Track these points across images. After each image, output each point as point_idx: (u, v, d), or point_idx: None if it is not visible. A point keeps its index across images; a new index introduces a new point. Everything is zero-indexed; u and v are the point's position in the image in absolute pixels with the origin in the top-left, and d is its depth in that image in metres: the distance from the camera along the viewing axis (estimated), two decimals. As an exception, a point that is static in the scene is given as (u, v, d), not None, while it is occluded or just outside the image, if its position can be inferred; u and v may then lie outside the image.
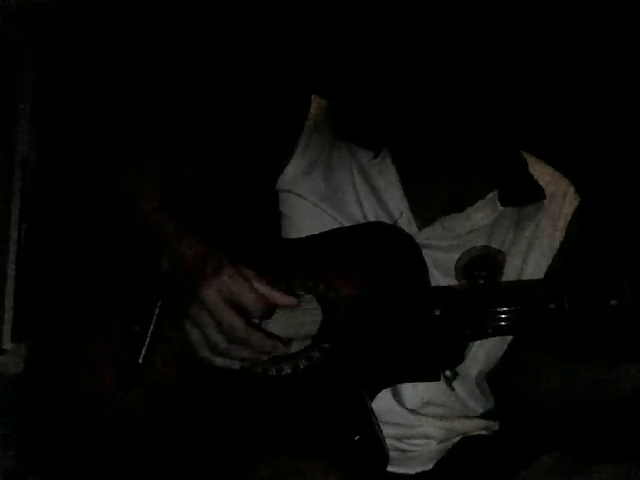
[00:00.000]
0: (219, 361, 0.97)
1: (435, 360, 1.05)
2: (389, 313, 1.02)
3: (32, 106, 1.83)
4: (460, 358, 1.08)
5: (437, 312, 1.00)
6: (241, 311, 0.95)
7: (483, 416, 1.18)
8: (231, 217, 1.17)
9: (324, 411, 1.00)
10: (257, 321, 1.00)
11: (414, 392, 1.10)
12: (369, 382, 1.03)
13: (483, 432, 1.16)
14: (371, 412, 1.00)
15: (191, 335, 0.97)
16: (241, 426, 1.00)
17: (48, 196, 1.80)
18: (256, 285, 0.96)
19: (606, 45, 1.56)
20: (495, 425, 1.19)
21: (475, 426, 1.16)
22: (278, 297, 0.97)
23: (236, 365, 0.98)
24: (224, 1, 1.76)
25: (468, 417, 1.15)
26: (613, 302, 0.94)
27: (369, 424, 0.99)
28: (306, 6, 1.71)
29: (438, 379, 1.05)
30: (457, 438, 1.13)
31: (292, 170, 1.16)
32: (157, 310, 1.05)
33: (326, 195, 1.15)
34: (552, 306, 0.96)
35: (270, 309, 0.98)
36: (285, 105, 1.22)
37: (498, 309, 0.98)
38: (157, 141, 1.25)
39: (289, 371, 1.01)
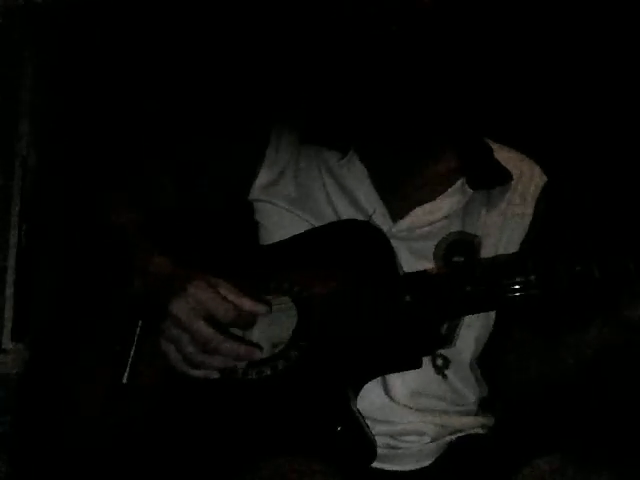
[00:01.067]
0: (197, 373, 0.98)
1: (413, 347, 1.06)
2: (361, 307, 1.03)
3: (32, 106, 1.83)
4: (438, 342, 1.10)
5: (407, 298, 1.01)
6: (212, 321, 0.96)
7: (478, 405, 1.19)
8: (210, 231, 1.19)
9: (306, 407, 1.01)
10: (240, 332, 1.02)
11: (403, 384, 1.11)
12: (350, 375, 1.05)
13: (479, 431, 1.17)
14: (351, 403, 1.01)
15: (167, 351, 0.98)
16: (229, 431, 1.02)
17: (48, 196, 1.80)
18: (225, 294, 0.97)
19: (559, 24, 1.58)
20: (490, 421, 1.19)
21: (469, 424, 1.16)
22: (248, 304, 0.98)
23: (215, 375, 0.98)
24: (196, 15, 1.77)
25: (461, 413, 1.16)
26: (578, 268, 0.96)
27: (350, 414, 1.00)
28: (268, 14, 1.72)
29: (419, 366, 1.06)
30: (451, 437, 1.14)
31: (263, 179, 1.19)
32: (138, 330, 1.06)
33: (298, 200, 1.18)
34: (519, 279, 0.97)
35: (245, 319, 0.99)
36: (250, 118, 1.24)
37: (466, 289, 1.00)
38: (133, 161, 1.27)
39: (269, 372, 1.02)
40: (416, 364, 1.05)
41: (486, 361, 1.21)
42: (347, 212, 1.16)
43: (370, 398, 1.09)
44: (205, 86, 1.74)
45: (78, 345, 1.12)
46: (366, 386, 1.07)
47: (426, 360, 1.13)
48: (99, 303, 1.14)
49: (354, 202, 1.16)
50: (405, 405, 1.12)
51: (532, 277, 0.97)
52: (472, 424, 1.17)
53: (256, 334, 1.05)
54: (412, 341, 1.04)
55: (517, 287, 0.97)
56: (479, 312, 1.09)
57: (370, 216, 1.15)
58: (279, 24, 1.70)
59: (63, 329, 1.15)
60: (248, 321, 0.99)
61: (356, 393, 1.04)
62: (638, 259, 0.94)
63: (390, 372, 1.09)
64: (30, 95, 1.83)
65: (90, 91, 1.78)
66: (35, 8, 1.81)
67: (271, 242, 1.16)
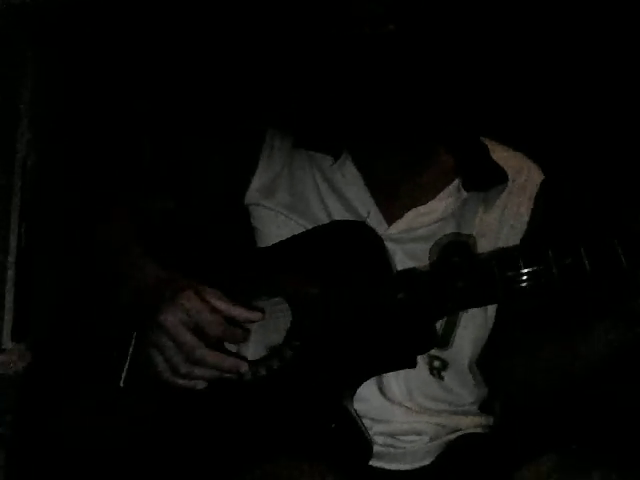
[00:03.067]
0: (183, 382, 0.99)
1: (407, 345, 1.06)
2: (354, 305, 1.03)
3: (32, 106, 1.83)
4: (432, 340, 1.09)
5: (400, 295, 1.01)
6: (201, 332, 0.97)
7: (478, 407, 1.18)
8: (206, 236, 1.20)
9: (301, 406, 1.02)
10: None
11: (399, 385, 1.12)
12: (345, 374, 1.05)
13: (478, 430, 1.17)
14: (346, 401, 1.02)
15: (154, 359, 0.99)
16: (226, 433, 1.03)
17: (48, 196, 1.80)
18: (215, 304, 0.97)
19: (553, 22, 1.58)
20: (489, 420, 1.19)
21: (468, 423, 1.17)
22: (240, 313, 0.99)
23: (200, 386, 0.99)
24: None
25: (459, 413, 1.16)
26: (568, 261, 0.95)
27: (344, 412, 1.01)
28: (259, 20, 1.73)
29: (414, 365, 1.06)
30: (450, 436, 1.15)
31: (257, 184, 1.20)
32: (135, 334, 1.07)
33: (293, 205, 1.18)
34: (509, 274, 0.97)
35: (236, 333, 1.00)
36: (244, 123, 1.24)
37: (457, 284, 0.99)
38: (128, 170, 1.28)
39: (264, 372, 1.02)
40: (411, 363, 1.05)
41: (487, 363, 1.21)
42: (341, 216, 1.17)
43: (368, 399, 1.09)
44: (201, 89, 1.74)
45: (79, 345, 1.12)
46: (362, 386, 1.07)
47: (423, 362, 1.13)
48: (98, 305, 1.14)
49: (348, 205, 1.17)
50: (402, 405, 1.12)
51: (523, 271, 0.96)
52: (471, 423, 1.17)
53: (252, 337, 1.06)
54: (406, 339, 1.05)
55: (509, 281, 0.97)
56: (471, 307, 1.09)
57: (365, 219, 1.15)
58: (269, 28, 1.70)
59: (64, 329, 1.16)
60: (238, 336, 0.99)
61: (352, 392, 1.05)
62: (629, 250, 0.93)
63: (385, 371, 1.09)
64: (30, 95, 1.83)
65: (90, 91, 1.79)
66: (36, 8, 1.81)
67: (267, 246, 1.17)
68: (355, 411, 1.03)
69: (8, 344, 1.76)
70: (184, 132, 1.35)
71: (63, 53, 1.83)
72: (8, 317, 1.76)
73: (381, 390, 1.12)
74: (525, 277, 0.96)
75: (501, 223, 1.19)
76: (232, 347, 1.05)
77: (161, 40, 1.76)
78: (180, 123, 1.64)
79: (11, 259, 1.78)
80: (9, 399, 1.25)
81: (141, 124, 1.72)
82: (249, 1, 1.72)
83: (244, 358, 1.01)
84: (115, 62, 1.78)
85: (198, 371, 0.98)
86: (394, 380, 1.11)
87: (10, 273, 1.77)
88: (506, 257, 0.99)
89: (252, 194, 1.20)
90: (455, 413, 1.16)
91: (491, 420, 1.21)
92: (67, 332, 1.16)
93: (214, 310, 0.97)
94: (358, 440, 1.01)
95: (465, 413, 1.17)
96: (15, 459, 1.11)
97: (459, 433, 1.15)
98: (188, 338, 0.96)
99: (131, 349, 1.07)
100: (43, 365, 1.15)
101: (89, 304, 1.16)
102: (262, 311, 1.01)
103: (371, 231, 1.12)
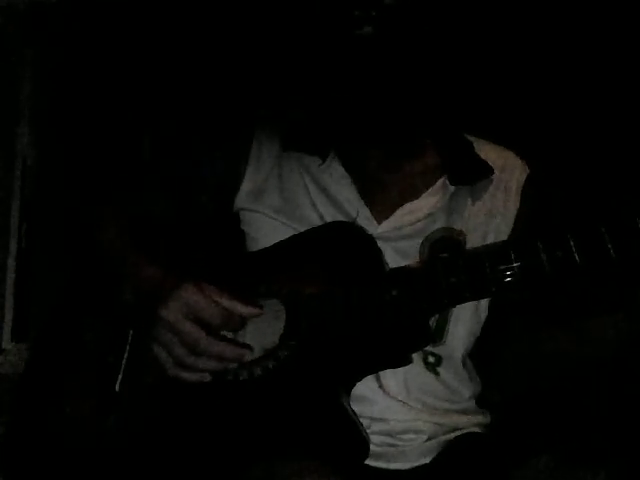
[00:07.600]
0: (188, 376, 0.98)
1: (402, 343, 1.05)
2: (348, 304, 1.03)
3: (32, 106, 1.83)
4: (426, 337, 1.08)
5: (394, 292, 1.01)
6: (203, 324, 0.96)
7: (474, 401, 1.18)
8: (197, 242, 1.20)
9: (297, 405, 1.02)
10: (230, 335, 1.03)
11: (397, 382, 1.12)
12: (340, 373, 1.05)
13: (476, 429, 1.17)
14: (342, 399, 1.02)
15: (158, 355, 0.98)
16: (223, 433, 1.02)
17: (48, 196, 1.80)
18: (216, 299, 0.97)
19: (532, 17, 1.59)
20: (486, 419, 1.19)
21: (465, 422, 1.17)
22: (239, 307, 0.98)
23: (206, 378, 0.98)
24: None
25: (457, 411, 1.16)
26: (559, 253, 0.95)
27: (341, 410, 1.01)
28: (246, 20, 1.73)
29: (409, 362, 1.06)
30: (448, 435, 1.14)
31: (247, 189, 1.20)
32: (130, 339, 1.07)
33: (282, 207, 1.18)
34: (502, 267, 0.97)
35: (236, 321, 0.99)
36: (230, 128, 1.25)
37: (450, 280, 0.99)
38: (122, 174, 1.28)
39: (260, 372, 1.03)
40: (405, 361, 1.05)
41: (481, 355, 1.21)
42: (332, 216, 1.16)
43: (367, 397, 1.09)
44: (192, 91, 1.75)
45: (76, 347, 1.12)
46: (362, 384, 1.07)
47: (417, 358, 1.13)
48: (96, 306, 1.14)
49: (337, 206, 1.17)
50: (401, 401, 1.12)
51: (515, 265, 0.96)
52: (469, 422, 1.17)
53: (247, 338, 1.06)
54: (401, 337, 1.04)
55: (500, 275, 0.97)
56: (465, 302, 1.07)
57: (354, 219, 1.15)
58: (258, 31, 1.71)
59: (63, 329, 1.15)
60: (238, 324, 0.99)
61: (348, 390, 1.05)
62: (618, 244, 0.92)
63: (380, 369, 1.09)
64: (30, 95, 1.83)
65: (90, 91, 1.79)
66: (36, 8, 1.81)
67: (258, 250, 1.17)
68: (351, 409, 1.03)
69: (8, 344, 1.77)
70: (175, 135, 1.35)
71: (63, 53, 1.83)
72: (8, 317, 1.76)
73: (381, 387, 1.12)
74: (516, 271, 0.96)
75: (489, 217, 1.19)
76: None
77: (159, 40, 1.76)
78: (172, 126, 1.64)
79: (11, 259, 1.78)
80: (9, 399, 1.25)
81: (139, 124, 1.72)
82: (238, 3, 1.73)
83: (246, 346, 1.01)
84: (113, 62, 1.78)
85: (202, 362, 0.97)
86: (392, 377, 1.12)
87: (10, 273, 1.77)
88: (497, 251, 0.98)
89: (242, 199, 1.20)
90: (453, 411, 1.16)
91: (489, 418, 1.21)
92: (66, 332, 1.16)
93: (213, 302, 0.97)
94: (355, 437, 1.01)
95: (463, 411, 1.17)
96: (13, 460, 1.11)
97: (457, 433, 1.15)
98: (191, 329, 0.96)
99: (126, 354, 1.07)
100: (41, 366, 1.14)
101: (87, 304, 1.16)
102: (260, 306, 1.01)
103: (362, 231, 1.12)
